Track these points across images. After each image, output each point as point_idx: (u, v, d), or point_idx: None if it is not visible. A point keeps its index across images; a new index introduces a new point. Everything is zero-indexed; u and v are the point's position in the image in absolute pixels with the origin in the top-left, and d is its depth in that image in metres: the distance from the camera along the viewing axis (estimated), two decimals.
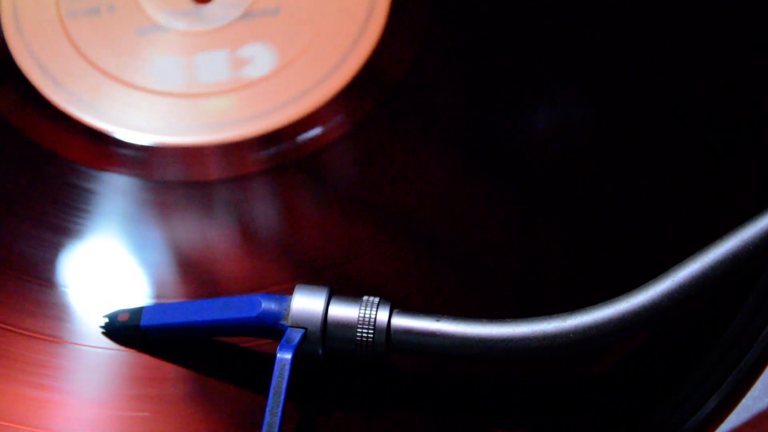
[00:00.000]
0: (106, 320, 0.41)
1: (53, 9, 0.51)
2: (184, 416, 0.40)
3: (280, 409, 0.37)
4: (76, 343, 0.41)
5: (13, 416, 0.39)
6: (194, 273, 0.44)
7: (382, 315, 0.39)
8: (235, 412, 0.40)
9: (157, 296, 0.43)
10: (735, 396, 0.40)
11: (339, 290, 0.39)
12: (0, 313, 0.42)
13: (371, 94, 0.48)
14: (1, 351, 0.41)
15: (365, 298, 0.39)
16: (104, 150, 0.47)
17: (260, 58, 0.50)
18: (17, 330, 0.42)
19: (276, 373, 0.37)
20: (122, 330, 0.41)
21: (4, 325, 0.42)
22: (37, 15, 0.51)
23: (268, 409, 0.37)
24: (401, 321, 0.39)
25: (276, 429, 0.37)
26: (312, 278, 0.43)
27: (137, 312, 0.41)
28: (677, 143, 0.46)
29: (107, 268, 0.44)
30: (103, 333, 0.41)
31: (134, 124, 0.48)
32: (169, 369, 0.41)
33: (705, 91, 0.48)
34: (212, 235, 0.45)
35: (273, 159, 0.47)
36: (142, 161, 0.47)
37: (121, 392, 0.40)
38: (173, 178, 0.47)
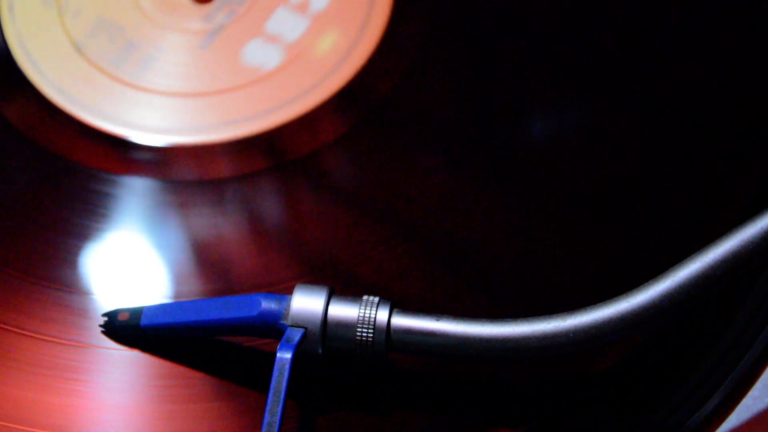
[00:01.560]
0: (106, 319, 0.41)
1: (54, 13, 0.51)
2: (201, 416, 0.40)
3: (279, 408, 0.37)
4: (97, 346, 0.41)
5: (39, 421, 0.40)
6: (210, 271, 0.44)
7: (382, 314, 0.39)
8: (246, 412, 0.40)
9: (174, 296, 0.43)
10: (735, 396, 0.40)
11: (340, 290, 0.39)
12: (22, 320, 0.42)
13: (374, 92, 0.49)
14: (23, 357, 0.41)
15: (365, 297, 0.39)
16: (117, 154, 0.47)
17: (264, 56, 0.50)
18: (39, 336, 0.42)
19: (276, 372, 0.37)
20: (122, 329, 0.41)
21: (26, 332, 0.42)
22: (37, 22, 0.51)
23: (267, 408, 0.37)
24: (401, 320, 0.39)
25: (276, 428, 0.37)
26: (315, 277, 0.43)
27: (137, 311, 0.41)
28: (677, 143, 0.46)
29: (123, 269, 0.44)
30: (103, 332, 0.41)
31: (145, 125, 0.48)
32: (178, 368, 0.41)
33: (705, 91, 0.48)
34: (227, 233, 0.45)
35: (278, 157, 0.47)
36: (154, 163, 0.47)
37: (141, 393, 0.40)
38: (185, 177, 0.47)
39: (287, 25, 0.51)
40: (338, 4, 0.51)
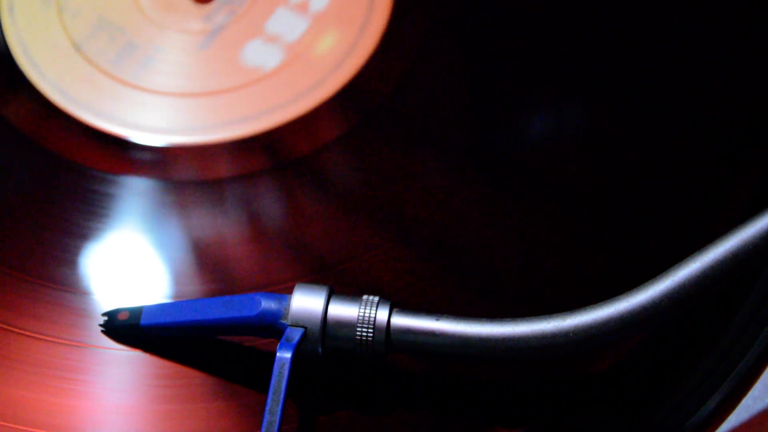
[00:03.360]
0: (106, 319, 0.41)
1: (54, 12, 0.51)
2: (201, 415, 0.40)
3: (279, 408, 0.37)
4: (96, 346, 0.41)
5: (39, 421, 0.40)
6: (210, 272, 0.44)
7: (382, 314, 0.39)
8: (246, 411, 0.40)
9: (175, 296, 0.43)
10: (735, 396, 0.40)
11: (340, 289, 0.39)
12: (19, 319, 0.42)
13: (373, 92, 0.49)
14: (22, 356, 0.41)
15: (365, 297, 0.39)
16: (117, 154, 0.47)
17: (264, 56, 0.50)
18: (39, 335, 0.42)
19: (275, 372, 0.37)
20: (122, 329, 0.41)
21: (24, 331, 0.42)
22: (37, 20, 0.51)
23: (267, 408, 0.37)
24: (401, 320, 0.39)
25: (275, 428, 0.37)
26: (315, 277, 0.43)
27: (137, 311, 0.41)
28: (677, 143, 0.46)
29: (123, 269, 0.44)
30: (103, 332, 0.41)
31: (145, 125, 0.48)
32: (179, 368, 0.41)
33: (705, 91, 0.48)
34: (226, 233, 0.45)
35: (278, 157, 0.47)
36: (154, 163, 0.47)
37: (141, 393, 0.40)
38: (185, 177, 0.47)
39: (287, 25, 0.51)
40: (338, 3, 0.51)
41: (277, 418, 0.37)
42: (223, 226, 0.45)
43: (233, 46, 0.50)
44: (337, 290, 0.39)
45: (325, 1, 0.51)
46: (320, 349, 0.39)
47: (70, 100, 0.49)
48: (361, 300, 0.39)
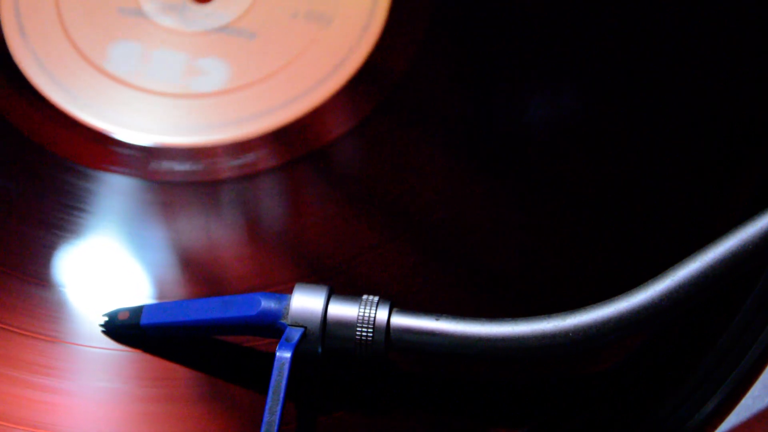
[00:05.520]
0: (106, 319, 0.41)
1: (54, 11, 0.51)
2: (191, 416, 0.40)
3: (279, 407, 0.37)
4: (78, 344, 0.41)
5: (18, 418, 0.40)
6: (197, 273, 0.44)
7: (382, 314, 0.39)
8: (244, 411, 0.40)
9: (160, 296, 0.43)
10: (735, 396, 0.40)
11: (340, 289, 0.39)
12: (6, 315, 0.42)
13: (373, 91, 0.48)
14: (6, 353, 0.41)
15: (365, 297, 0.39)
16: (104, 150, 0.47)
17: (261, 56, 0.50)
18: (18, 330, 0.41)
19: (275, 371, 0.37)
20: (122, 329, 0.41)
21: (13, 329, 0.42)
22: (38, 17, 0.51)
23: (267, 407, 0.37)
24: (401, 320, 0.39)
25: (275, 428, 0.37)
26: (314, 278, 0.43)
27: (137, 311, 0.41)
28: (677, 143, 0.46)
29: (109, 267, 0.44)
30: (103, 332, 0.41)
31: (133, 124, 0.48)
32: (174, 368, 0.41)
33: (705, 91, 0.48)
34: (213, 234, 0.45)
35: (275, 158, 0.47)
36: (141, 161, 0.47)
37: (125, 392, 0.40)
38: (173, 178, 0.47)
39: (286, 26, 0.51)
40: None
41: (276, 417, 0.37)
42: (215, 227, 0.45)
43: (234, 44, 0.50)
44: (339, 289, 0.39)
45: None
46: (320, 349, 0.39)
47: (61, 95, 0.48)
48: (361, 300, 0.39)
